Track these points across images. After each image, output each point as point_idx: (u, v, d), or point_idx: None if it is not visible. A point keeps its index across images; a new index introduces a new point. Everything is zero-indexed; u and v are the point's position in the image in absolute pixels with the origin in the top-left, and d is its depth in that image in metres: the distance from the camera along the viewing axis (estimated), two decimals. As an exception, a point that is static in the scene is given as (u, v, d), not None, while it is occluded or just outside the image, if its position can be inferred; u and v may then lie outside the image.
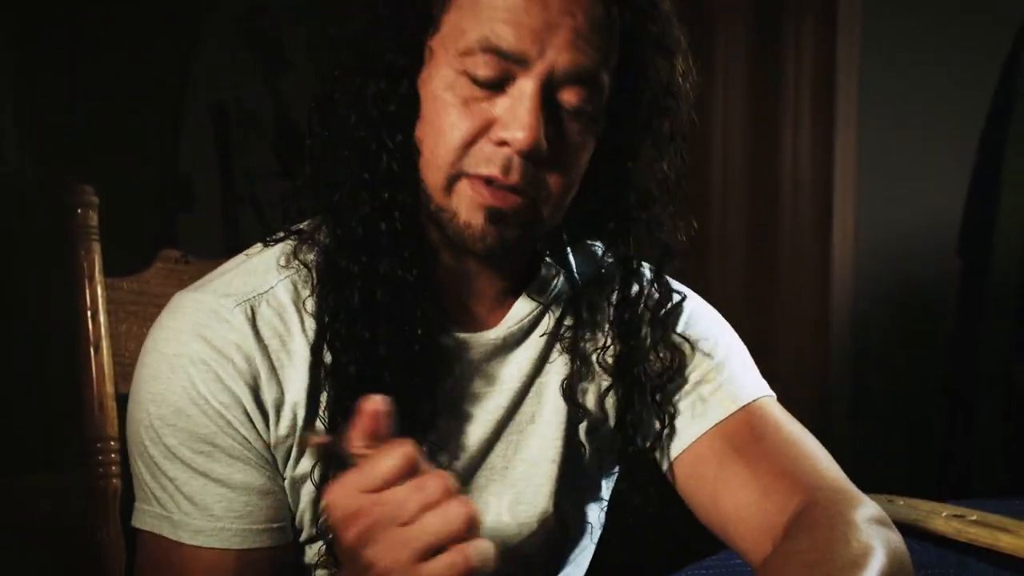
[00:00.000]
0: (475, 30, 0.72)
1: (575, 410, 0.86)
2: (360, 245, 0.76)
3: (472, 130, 0.74)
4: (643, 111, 0.81)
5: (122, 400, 1.01)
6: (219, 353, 0.76)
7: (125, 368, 1.02)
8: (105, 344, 1.00)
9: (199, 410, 0.76)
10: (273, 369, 0.78)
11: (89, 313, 0.99)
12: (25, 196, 2.04)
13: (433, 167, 0.76)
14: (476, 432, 0.84)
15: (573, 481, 0.88)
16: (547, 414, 0.86)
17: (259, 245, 0.84)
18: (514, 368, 0.85)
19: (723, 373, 0.87)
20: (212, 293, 0.79)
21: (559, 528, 0.88)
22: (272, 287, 0.79)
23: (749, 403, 0.86)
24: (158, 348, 0.78)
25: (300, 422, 0.78)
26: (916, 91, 2.00)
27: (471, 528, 0.58)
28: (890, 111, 2.02)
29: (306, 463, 0.79)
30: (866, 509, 0.75)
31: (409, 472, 0.58)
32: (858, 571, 0.66)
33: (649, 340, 0.86)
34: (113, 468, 0.99)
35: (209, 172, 2.46)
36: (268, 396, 0.77)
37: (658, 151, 0.83)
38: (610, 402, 0.88)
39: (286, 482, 0.80)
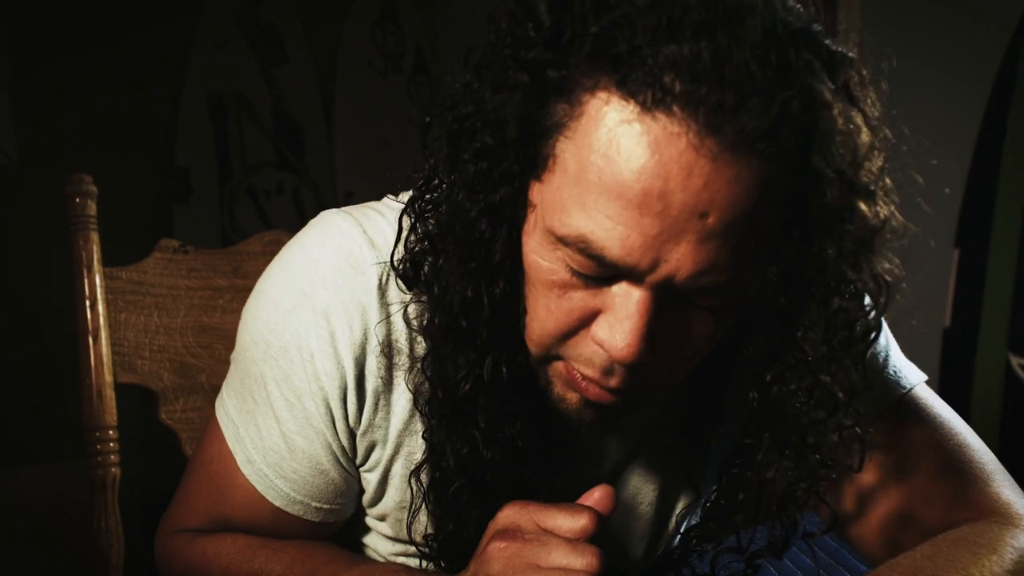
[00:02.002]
0: (574, 217, 0.58)
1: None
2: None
3: (569, 323, 0.63)
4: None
5: (121, 389, 1.01)
6: (343, 311, 0.71)
7: (123, 358, 1.02)
8: (104, 333, 1.00)
9: (301, 361, 0.72)
10: (387, 355, 0.72)
11: (88, 303, 0.99)
12: (23, 187, 2.03)
13: (529, 337, 0.67)
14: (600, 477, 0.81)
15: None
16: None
17: (389, 198, 0.77)
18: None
19: (880, 359, 0.79)
20: (362, 236, 0.72)
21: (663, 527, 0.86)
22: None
23: (907, 391, 0.78)
24: (290, 270, 0.73)
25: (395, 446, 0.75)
26: (915, 78, 1.99)
27: None
28: (888, 95, 2.01)
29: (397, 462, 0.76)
30: (1021, 537, 0.68)
31: (579, 537, 0.64)
32: None
33: None
34: (112, 457, 0.99)
35: (206, 164, 2.45)
36: (371, 382, 0.73)
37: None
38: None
39: (361, 470, 0.78)
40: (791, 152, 0.56)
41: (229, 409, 0.79)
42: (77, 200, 0.98)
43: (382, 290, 0.71)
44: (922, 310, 2.04)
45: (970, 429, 0.78)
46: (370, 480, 0.78)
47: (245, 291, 0.81)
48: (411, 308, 0.72)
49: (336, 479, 0.77)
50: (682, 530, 0.85)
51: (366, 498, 0.80)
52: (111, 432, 0.99)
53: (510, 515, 0.67)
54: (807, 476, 0.69)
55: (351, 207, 0.76)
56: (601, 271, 0.59)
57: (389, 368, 0.73)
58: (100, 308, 1.00)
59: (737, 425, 0.76)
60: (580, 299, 0.62)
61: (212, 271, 1.10)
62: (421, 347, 0.71)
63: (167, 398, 1.04)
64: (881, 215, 0.61)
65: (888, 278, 0.64)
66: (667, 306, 0.60)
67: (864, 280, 0.63)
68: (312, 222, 0.75)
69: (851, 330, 0.65)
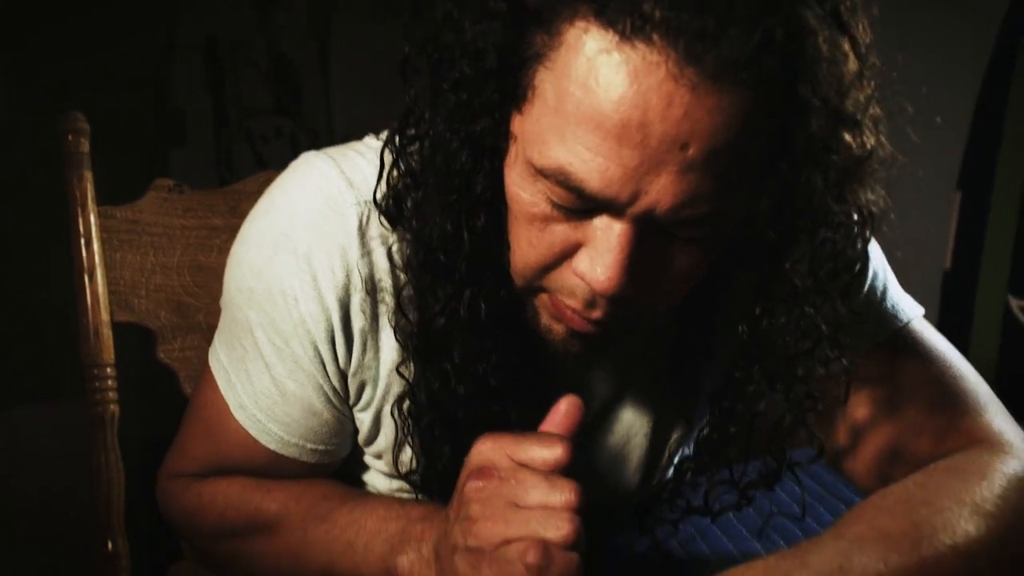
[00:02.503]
0: (553, 148, 0.57)
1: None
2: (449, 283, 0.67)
3: (550, 256, 0.63)
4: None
5: (118, 328, 1.01)
6: (324, 253, 0.71)
7: (120, 296, 1.01)
8: (100, 272, 0.99)
9: (285, 305, 0.72)
10: (372, 294, 0.72)
11: (83, 241, 0.98)
12: (16, 128, 2.01)
13: (513, 269, 0.66)
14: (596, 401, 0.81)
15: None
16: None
17: (369, 136, 0.77)
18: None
19: (877, 292, 0.78)
20: (341, 176, 0.71)
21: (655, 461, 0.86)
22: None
23: (903, 325, 0.78)
24: (270, 214, 0.73)
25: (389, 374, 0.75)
26: (917, 12, 1.95)
27: (570, 546, 0.61)
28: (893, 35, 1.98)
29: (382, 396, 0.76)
30: (1011, 463, 0.68)
31: (554, 469, 0.62)
32: (954, 533, 0.60)
33: None
34: (111, 395, 0.99)
35: (202, 109, 2.43)
36: (358, 322, 0.73)
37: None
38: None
39: (354, 410, 0.78)
40: (775, 81, 0.55)
41: (220, 356, 0.80)
42: (70, 137, 0.97)
43: (362, 230, 0.71)
44: (922, 252, 2.03)
45: (965, 360, 0.78)
46: (364, 420, 0.78)
47: (241, 230, 0.80)
48: (394, 246, 0.71)
49: (329, 420, 0.77)
50: (675, 462, 0.85)
51: (361, 437, 0.81)
52: (109, 370, 0.99)
53: (484, 451, 0.66)
54: (796, 408, 0.69)
55: (331, 148, 0.75)
56: (581, 204, 0.59)
57: (374, 308, 0.73)
58: (96, 247, 0.99)
59: (727, 358, 0.76)
60: (561, 232, 0.61)
61: (208, 211, 1.09)
62: (406, 287, 0.71)
63: (165, 337, 1.04)
64: (868, 145, 0.60)
65: (874, 209, 0.63)
66: (648, 238, 0.59)
67: (849, 211, 0.62)
68: (292, 165, 0.75)
69: (836, 262, 0.64)
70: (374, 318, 0.73)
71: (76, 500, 1.06)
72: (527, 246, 0.63)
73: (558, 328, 0.66)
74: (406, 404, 0.73)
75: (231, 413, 0.78)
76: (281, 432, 0.77)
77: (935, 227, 1.94)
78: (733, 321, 0.71)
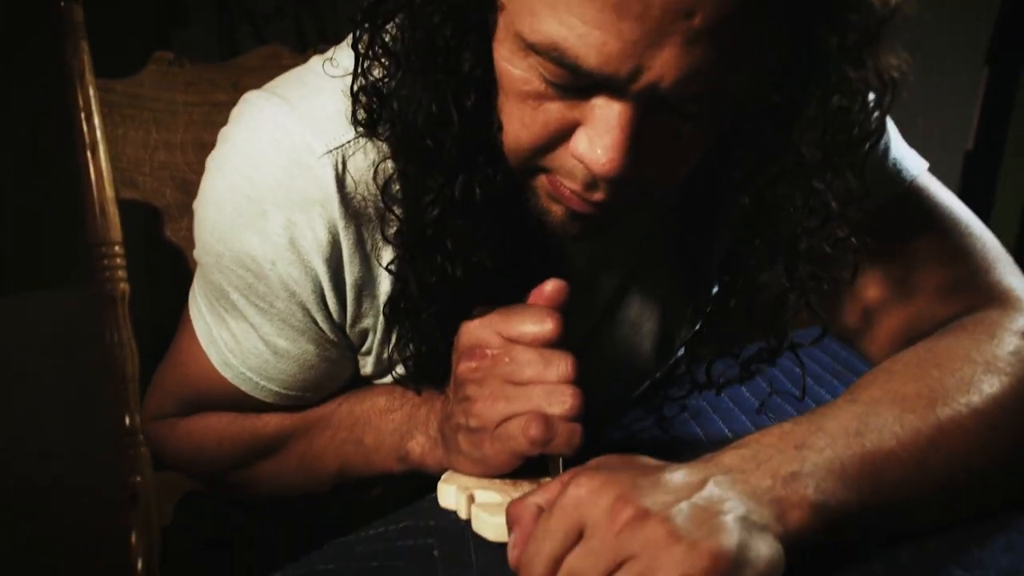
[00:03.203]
0: (545, 21, 0.51)
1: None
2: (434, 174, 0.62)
3: (545, 136, 0.57)
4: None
5: (123, 205, 1.00)
6: (300, 214, 0.64)
7: (124, 173, 1.00)
8: (102, 147, 0.97)
9: (260, 269, 0.66)
10: (360, 241, 0.66)
11: (83, 114, 0.95)
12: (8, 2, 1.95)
13: (507, 150, 0.61)
14: (601, 296, 0.78)
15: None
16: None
17: (319, 61, 0.67)
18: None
19: (879, 150, 0.72)
20: (300, 122, 0.63)
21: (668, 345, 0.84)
22: (359, 137, 0.64)
23: (908, 183, 0.73)
24: (228, 173, 0.65)
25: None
26: None
27: (570, 416, 0.60)
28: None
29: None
30: (1020, 320, 0.65)
31: (545, 343, 0.61)
32: (968, 391, 0.58)
33: None
34: (120, 273, 0.98)
35: (203, -11, 2.35)
36: (351, 275, 0.67)
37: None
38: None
39: (358, 354, 0.74)
40: None
41: (201, 307, 0.74)
42: (62, 4, 0.93)
43: (339, 178, 0.63)
44: (946, 131, 1.98)
45: (972, 215, 0.74)
46: (369, 360, 0.75)
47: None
48: (380, 165, 0.64)
49: (329, 369, 0.74)
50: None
51: (366, 374, 0.77)
52: (117, 248, 0.98)
53: (472, 331, 0.64)
54: (799, 287, 0.65)
55: (278, 85, 0.66)
56: (577, 81, 0.53)
57: (365, 255, 0.67)
58: (96, 121, 0.96)
59: (732, 235, 0.73)
60: (556, 111, 0.56)
61: (210, 85, 1.06)
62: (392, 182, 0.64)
63: (171, 215, 1.03)
64: (891, 2, 0.54)
65: (896, 75, 0.57)
66: (651, 116, 0.54)
67: (867, 77, 0.57)
68: (239, 112, 0.66)
69: (850, 132, 0.59)
70: (367, 267, 0.67)
71: (89, 383, 1.06)
72: (519, 126, 0.58)
73: (556, 210, 0.62)
74: (395, 302, 0.68)
75: (216, 368, 0.74)
76: (276, 387, 0.74)
77: (959, 106, 1.88)
78: (738, 195, 0.67)
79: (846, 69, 0.56)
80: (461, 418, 0.64)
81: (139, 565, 0.96)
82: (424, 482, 0.69)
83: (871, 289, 0.73)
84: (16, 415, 1.60)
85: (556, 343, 0.62)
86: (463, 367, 0.64)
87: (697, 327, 0.81)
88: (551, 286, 0.64)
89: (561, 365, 0.61)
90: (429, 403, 0.72)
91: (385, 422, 0.73)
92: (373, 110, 0.62)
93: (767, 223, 0.65)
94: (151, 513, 1.01)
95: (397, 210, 0.64)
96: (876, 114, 0.59)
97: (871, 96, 0.59)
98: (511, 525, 0.54)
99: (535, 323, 0.62)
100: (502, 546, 0.57)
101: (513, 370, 0.61)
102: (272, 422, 0.77)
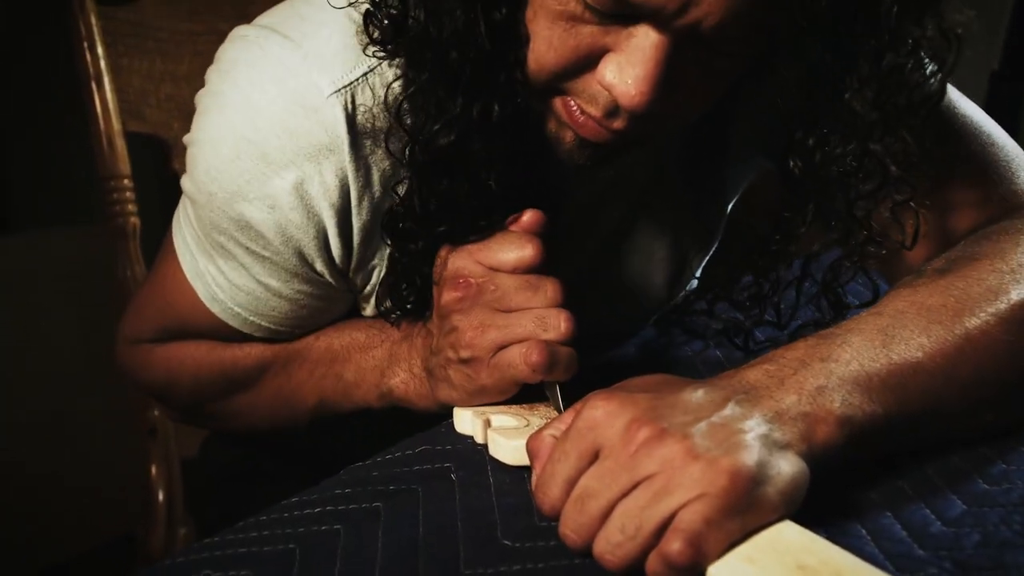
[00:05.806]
0: None
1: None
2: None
3: (573, 59, 0.55)
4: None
5: (131, 137, 0.98)
6: (307, 160, 0.61)
7: (130, 105, 0.98)
8: (107, 79, 0.95)
9: (257, 212, 0.63)
10: (369, 183, 0.63)
11: (86, 44, 0.94)
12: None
13: (529, 72, 0.58)
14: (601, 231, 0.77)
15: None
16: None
17: None
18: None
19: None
20: (306, 61, 0.60)
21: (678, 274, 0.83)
22: (372, 69, 0.61)
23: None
24: (227, 112, 0.61)
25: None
26: None
27: (564, 340, 0.59)
28: None
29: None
30: None
31: (528, 267, 0.60)
32: (995, 299, 0.56)
33: None
34: (130, 207, 0.98)
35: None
36: (359, 219, 0.65)
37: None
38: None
39: (359, 296, 0.72)
40: None
41: (187, 236, 0.70)
42: (58, -71, 0.91)
43: (349, 117, 0.60)
44: (972, 51, 1.93)
45: (994, 124, 0.72)
46: (371, 303, 0.73)
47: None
48: (390, 91, 0.61)
49: (324, 308, 0.72)
50: (697, 275, 0.83)
51: (367, 314, 0.75)
52: (126, 181, 0.97)
53: (453, 261, 0.62)
54: (855, 252, 0.63)
55: (277, 22, 0.62)
56: (620, 8, 0.51)
57: (373, 196, 0.64)
58: (100, 51, 0.95)
59: (746, 172, 0.71)
60: (589, 34, 0.54)
61: (215, 15, 1.04)
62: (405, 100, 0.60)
63: (180, 148, 1.01)
64: None
65: (960, 31, 0.55)
66: (682, 51, 0.53)
67: (926, 33, 0.54)
68: (234, 48, 0.62)
69: (909, 94, 0.56)
70: (376, 208, 0.65)
71: (102, 319, 1.06)
72: (546, 47, 0.55)
73: (567, 135, 0.60)
74: (401, 224, 0.65)
75: (201, 300, 0.71)
76: (267, 323, 0.71)
77: (985, 26, 1.83)
78: (759, 138, 0.65)
79: (903, 22, 0.54)
80: (450, 352, 0.62)
81: (160, 497, 0.97)
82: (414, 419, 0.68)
83: (918, 251, 0.69)
84: (31, 353, 1.61)
85: (539, 268, 0.61)
86: (447, 297, 0.62)
87: (711, 253, 0.80)
88: (528, 215, 0.63)
89: (548, 289, 0.60)
90: (409, 340, 0.70)
91: (365, 358, 0.72)
92: (392, 25, 0.58)
93: (821, 187, 0.62)
94: (171, 446, 1.02)
95: (410, 132, 0.61)
96: (939, 76, 0.57)
97: (929, 57, 0.56)
98: (532, 460, 0.53)
99: (515, 249, 0.61)
100: (519, 469, 0.57)
101: (499, 297, 0.60)
102: (252, 353, 0.76)
